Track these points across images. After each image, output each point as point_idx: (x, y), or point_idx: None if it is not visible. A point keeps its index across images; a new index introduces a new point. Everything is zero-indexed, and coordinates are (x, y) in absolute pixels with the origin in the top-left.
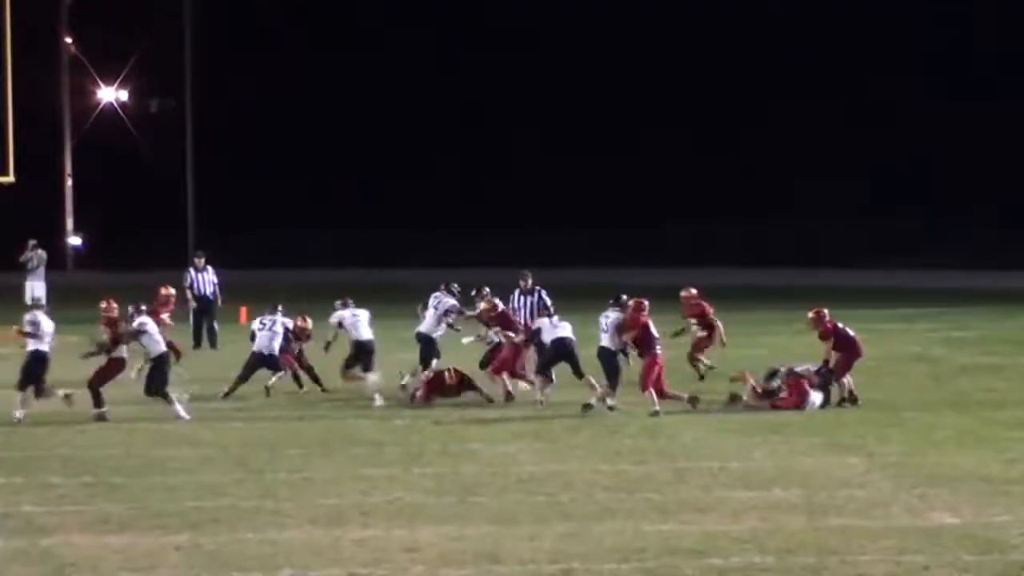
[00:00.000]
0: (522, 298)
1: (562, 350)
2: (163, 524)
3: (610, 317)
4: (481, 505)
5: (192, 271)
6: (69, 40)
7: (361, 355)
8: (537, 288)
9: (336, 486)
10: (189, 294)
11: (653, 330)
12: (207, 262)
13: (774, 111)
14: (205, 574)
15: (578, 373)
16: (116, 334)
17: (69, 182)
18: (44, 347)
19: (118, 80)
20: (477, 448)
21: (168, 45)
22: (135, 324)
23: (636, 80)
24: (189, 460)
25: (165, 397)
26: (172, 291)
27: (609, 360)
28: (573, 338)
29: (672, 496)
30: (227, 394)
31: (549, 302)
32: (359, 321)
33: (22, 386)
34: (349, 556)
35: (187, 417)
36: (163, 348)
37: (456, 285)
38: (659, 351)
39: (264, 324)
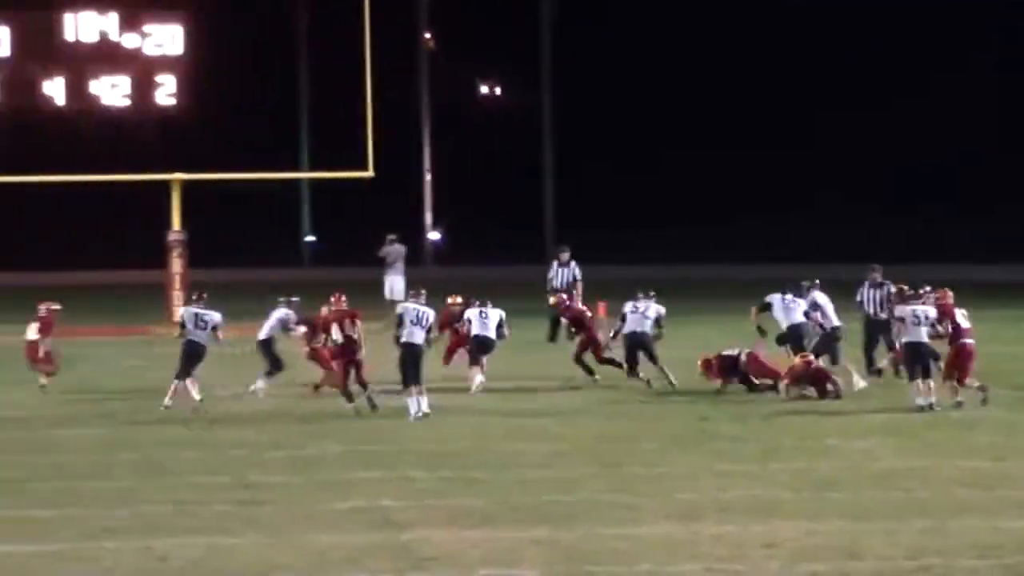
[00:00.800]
0: (871, 291)
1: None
2: (521, 518)
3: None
4: (837, 500)
5: (556, 265)
6: (428, 36)
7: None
8: (887, 282)
9: (692, 481)
10: (550, 287)
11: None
12: (571, 257)
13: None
14: (564, 568)
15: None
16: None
17: (428, 177)
18: (415, 340)
19: (480, 74)
20: (833, 443)
21: (529, 38)
22: None
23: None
24: (544, 454)
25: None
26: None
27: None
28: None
29: None
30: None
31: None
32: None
33: (406, 383)
34: (706, 551)
35: None
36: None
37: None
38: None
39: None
